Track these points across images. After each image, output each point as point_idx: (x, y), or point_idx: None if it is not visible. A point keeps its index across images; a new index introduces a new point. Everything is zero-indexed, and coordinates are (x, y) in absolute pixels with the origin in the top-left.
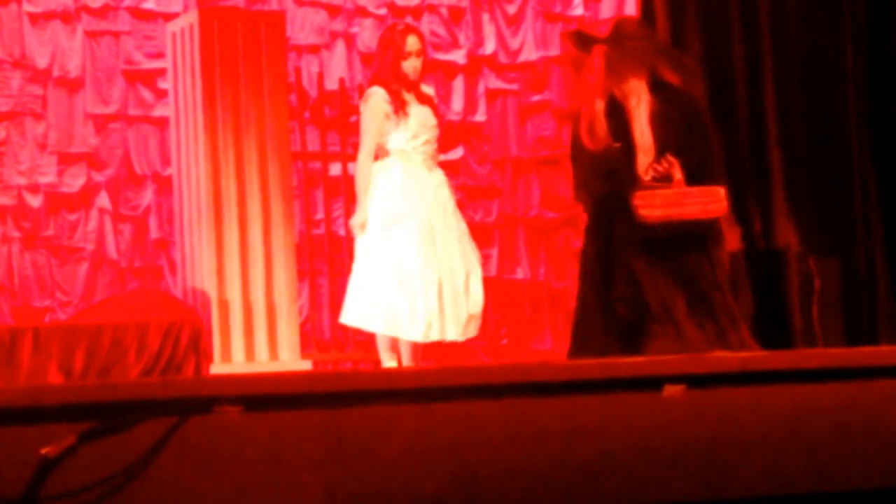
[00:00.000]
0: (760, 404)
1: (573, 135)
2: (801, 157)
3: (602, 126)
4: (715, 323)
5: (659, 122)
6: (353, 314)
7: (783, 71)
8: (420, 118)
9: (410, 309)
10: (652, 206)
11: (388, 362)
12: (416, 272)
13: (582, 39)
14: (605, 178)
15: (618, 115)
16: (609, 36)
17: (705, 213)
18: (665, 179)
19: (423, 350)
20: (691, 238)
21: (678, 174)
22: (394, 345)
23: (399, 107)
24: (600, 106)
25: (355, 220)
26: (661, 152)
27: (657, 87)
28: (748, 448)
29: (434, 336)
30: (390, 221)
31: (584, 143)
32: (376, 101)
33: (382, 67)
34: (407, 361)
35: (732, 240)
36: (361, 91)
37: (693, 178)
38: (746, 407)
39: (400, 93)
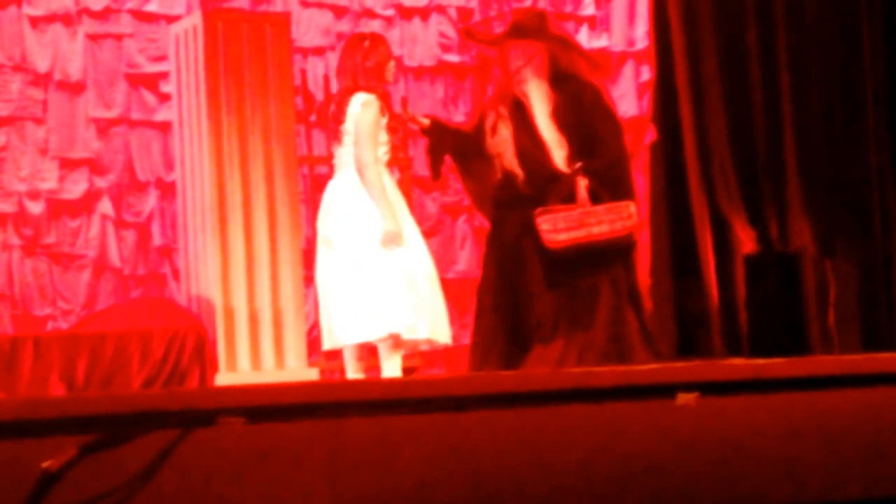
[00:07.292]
0: (775, 412)
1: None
2: (818, 159)
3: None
4: (608, 343)
5: (562, 118)
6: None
7: (799, 72)
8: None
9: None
10: (556, 230)
11: (355, 374)
12: (428, 277)
13: (475, 38)
14: (504, 187)
15: (521, 115)
16: (506, 33)
17: (612, 233)
18: (568, 199)
19: (429, 356)
20: (596, 257)
21: (583, 192)
22: (362, 355)
23: (392, 117)
24: (503, 112)
25: (391, 228)
26: (572, 147)
27: (560, 81)
28: (762, 457)
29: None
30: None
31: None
32: (378, 109)
33: (367, 75)
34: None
35: (748, 242)
36: None
37: (603, 183)
38: (761, 415)
39: (388, 102)
